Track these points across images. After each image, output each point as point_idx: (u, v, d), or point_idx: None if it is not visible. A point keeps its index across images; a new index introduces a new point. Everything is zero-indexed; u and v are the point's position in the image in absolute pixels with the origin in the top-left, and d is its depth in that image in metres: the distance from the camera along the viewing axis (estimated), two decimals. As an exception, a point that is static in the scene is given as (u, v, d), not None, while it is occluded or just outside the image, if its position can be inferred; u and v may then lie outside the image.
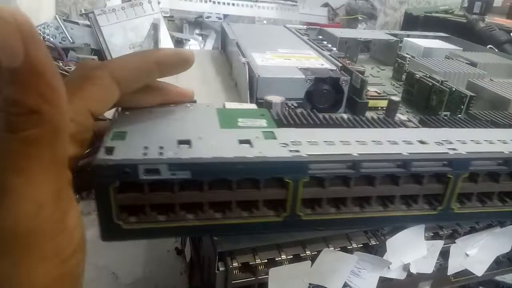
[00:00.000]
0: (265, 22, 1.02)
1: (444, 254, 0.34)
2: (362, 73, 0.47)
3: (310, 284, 0.30)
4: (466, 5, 0.99)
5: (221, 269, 0.28)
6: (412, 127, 0.33)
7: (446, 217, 0.27)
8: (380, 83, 0.57)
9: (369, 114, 0.45)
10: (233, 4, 0.98)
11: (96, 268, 0.39)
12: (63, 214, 0.17)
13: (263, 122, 0.28)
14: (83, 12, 0.79)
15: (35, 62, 0.14)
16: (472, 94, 0.41)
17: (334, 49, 0.57)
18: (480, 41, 0.76)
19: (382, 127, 0.30)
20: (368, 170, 0.24)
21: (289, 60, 0.48)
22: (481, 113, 0.37)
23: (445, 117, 0.34)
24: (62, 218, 0.17)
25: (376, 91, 0.49)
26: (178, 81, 0.49)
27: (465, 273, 0.38)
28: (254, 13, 1.01)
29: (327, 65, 0.46)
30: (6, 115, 0.15)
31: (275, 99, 0.36)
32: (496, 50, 0.73)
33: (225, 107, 0.32)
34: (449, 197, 0.26)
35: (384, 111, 0.45)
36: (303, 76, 0.42)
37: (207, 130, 0.25)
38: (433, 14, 0.98)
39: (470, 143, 0.27)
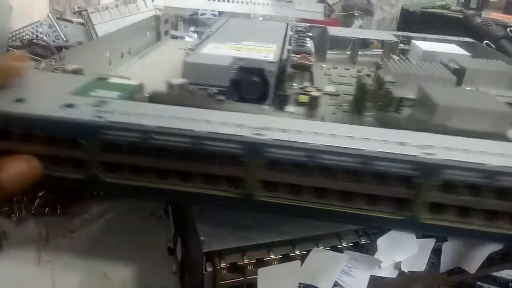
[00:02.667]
0: (260, 18, 1.01)
1: (436, 252, 0.34)
2: (305, 67, 0.47)
3: (300, 283, 0.30)
4: (462, 0, 0.98)
5: (208, 269, 0.28)
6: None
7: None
8: (347, 82, 0.56)
9: (295, 108, 0.43)
10: (228, 1, 0.98)
11: (87, 269, 0.39)
12: None
13: (115, 94, 0.31)
14: (76, 10, 0.78)
15: None
16: (403, 96, 0.40)
17: (308, 45, 0.56)
18: (476, 36, 0.75)
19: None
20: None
21: (239, 51, 0.47)
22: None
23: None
24: None
25: (317, 88, 0.47)
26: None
27: (459, 270, 0.38)
28: (249, 10, 1.00)
29: (270, 57, 0.45)
30: None
31: (176, 81, 0.38)
32: (493, 46, 0.73)
33: (104, 79, 0.35)
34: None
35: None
36: (226, 64, 0.42)
37: (54, 94, 0.29)
38: (430, 10, 0.97)
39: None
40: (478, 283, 0.53)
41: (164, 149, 0.27)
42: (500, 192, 0.25)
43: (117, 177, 0.28)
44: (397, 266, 0.33)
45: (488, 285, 0.55)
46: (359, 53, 0.70)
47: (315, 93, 0.42)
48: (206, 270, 0.28)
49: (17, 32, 0.75)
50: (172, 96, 0.34)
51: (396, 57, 0.56)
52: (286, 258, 0.29)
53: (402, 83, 0.45)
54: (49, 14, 0.79)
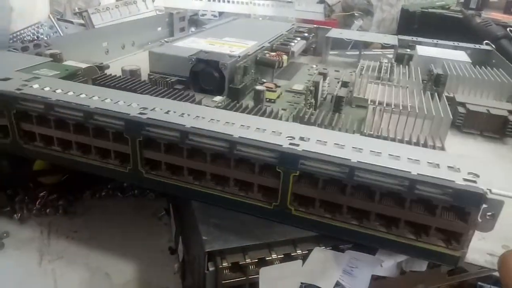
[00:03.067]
0: (260, 19, 1.01)
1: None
2: (269, 63, 0.50)
3: (301, 283, 0.30)
4: (462, 0, 0.98)
5: (211, 269, 0.28)
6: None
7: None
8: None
9: (251, 103, 0.44)
10: (229, 1, 0.98)
11: (88, 268, 0.39)
12: None
13: (53, 73, 0.38)
14: (77, 11, 0.78)
15: None
16: (341, 95, 0.42)
17: (292, 44, 0.58)
18: (476, 36, 0.75)
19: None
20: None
21: (212, 45, 0.51)
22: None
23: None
24: None
25: (275, 84, 0.50)
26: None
27: (460, 270, 0.38)
28: (250, 10, 1.00)
29: (236, 52, 0.48)
30: None
31: (128, 67, 0.44)
32: (493, 46, 0.73)
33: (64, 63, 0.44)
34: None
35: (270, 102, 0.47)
36: (185, 55, 0.44)
37: (2, 70, 0.35)
38: (430, 10, 0.98)
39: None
40: (479, 283, 0.53)
41: (63, 121, 0.30)
42: (365, 191, 0.24)
43: (32, 144, 0.33)
44: (399, 265, 0.32)
45: (489, 285, 0.55)
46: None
47: (258, 87, 0.44)
48: (208, 270, 0.28)
49: (18, 33, 0.75)
50: (110, 80, 0.40)
51: (386, 61, 0.56)
52: (287, 258, 0.29)
53: (359, 84, 0.47)
54: (50, 15, 0.79)
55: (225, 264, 0.27)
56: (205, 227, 0.29)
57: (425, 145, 0.32)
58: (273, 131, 0.26)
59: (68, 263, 0.39)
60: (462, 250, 0.24)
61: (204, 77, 0.44)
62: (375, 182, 0.23)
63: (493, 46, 0.73)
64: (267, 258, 0.28)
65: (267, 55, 0.51)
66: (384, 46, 0.67)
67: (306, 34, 0.66)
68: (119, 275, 0.38)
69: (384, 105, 0.39)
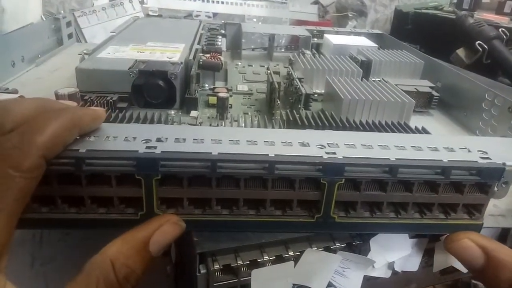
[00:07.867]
0: (254, 20, 1.01)
1: (430, 252, 0.34)
2: (214, 67, 0.46)
3: (293, 284, 0.30)
4: (455, 1, 0.99)
5: (202, 271, 0.27)
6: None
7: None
8: (262, 80, 0.54)
9: (209, 111, 0.42)
10: (223, 2, 0.98)
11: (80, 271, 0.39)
12: None
13: None
14: (62, 14, 0.78)
15: None
16: (309, 92, 0.40)
17: (219, 43, 0.54)
18: (469, 37, 0.75)
19: None
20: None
21: (142, 53, 0.45)
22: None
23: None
24: None
25: (228, 88, 0.47)
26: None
27: (453, 269, 0.38)
28: (243, 11, 1.00)
29: (175, 59, 0.43)
30: None
31: (64, 90, 0.37)
32: (486, 46, 0.73)
33: None
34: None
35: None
36: (125, 68, 0.39)
37: None
38: (423, 11, 0.98)
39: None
40: (473, 281, 0.53)
41: None
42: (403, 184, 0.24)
43: None
44: (391, 266, 0.33)
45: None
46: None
47: (222, 94, 0.40)
48: (199, 272, 0.28)
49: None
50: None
51: (308, 52, 0.57)
52: (279, 259, 0.29)
53: (311, 78, 0.46)
54: (42, 16, 0.79)
55: (216, 267, 0.27)
56: (196, 229, 0.29)
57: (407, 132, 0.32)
58: (299, 142, 0.23)
59: (60, 266, 0.39)
60: (482, 218, 0.25)
61: (150, 90, 0.40)
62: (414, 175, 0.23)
63: (486, 46, 0.73)
64: (259, 260, 0.28)
65: (203, 57, 0.47)
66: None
67: (223, 31, 0.64)
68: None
69: (356, 97, 0.39)
